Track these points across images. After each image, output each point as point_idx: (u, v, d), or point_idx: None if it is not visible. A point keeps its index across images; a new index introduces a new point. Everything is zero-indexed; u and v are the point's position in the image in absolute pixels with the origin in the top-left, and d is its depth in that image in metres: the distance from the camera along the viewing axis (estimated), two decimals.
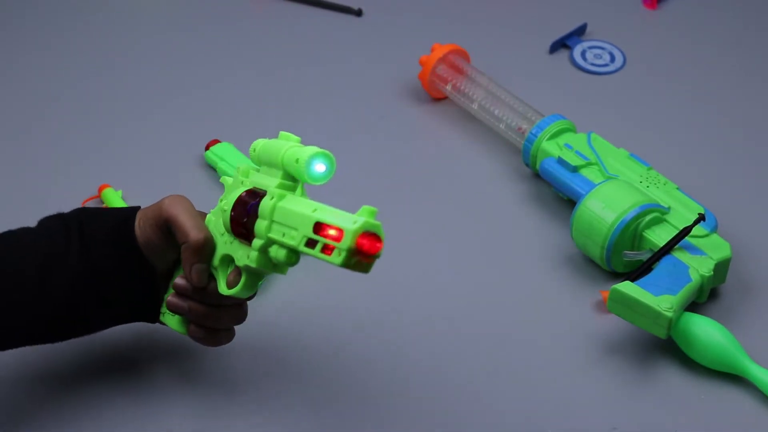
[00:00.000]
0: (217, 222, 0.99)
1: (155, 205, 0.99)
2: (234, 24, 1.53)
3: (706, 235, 1.16)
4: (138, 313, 1.03)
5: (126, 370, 1.09)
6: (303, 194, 0.95)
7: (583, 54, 1.48)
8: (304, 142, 0.96)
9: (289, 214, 0.91)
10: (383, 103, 1.40)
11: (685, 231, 1.15)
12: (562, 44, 1.49)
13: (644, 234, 1.16)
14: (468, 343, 1.13)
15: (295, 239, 0.89)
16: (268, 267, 0.94)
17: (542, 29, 1.51)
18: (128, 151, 1.33)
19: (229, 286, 0.97)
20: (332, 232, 0.87)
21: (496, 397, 1.08)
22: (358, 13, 1.54)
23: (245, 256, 0.95)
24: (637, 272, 1.12)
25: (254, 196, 0.95)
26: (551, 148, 1.26)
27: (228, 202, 0.97)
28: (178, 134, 1.35)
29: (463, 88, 1.36)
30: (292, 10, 1.55)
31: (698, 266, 1.13)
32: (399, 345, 1.13)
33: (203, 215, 1.01)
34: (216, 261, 0.98)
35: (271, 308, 1.15)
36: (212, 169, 1.30)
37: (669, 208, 1.18)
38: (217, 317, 1.00)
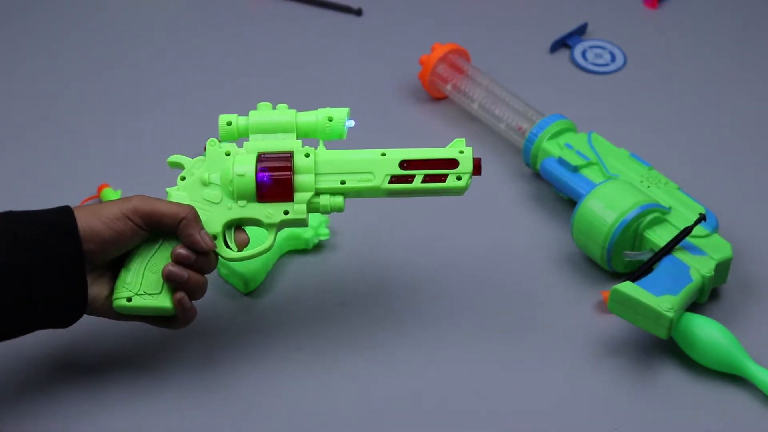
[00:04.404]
0: (197, 193, 1.05)
1: (119, 202, 1.02)
2: (233, 24, 1.53)
3: (707, 235, 1.16)
4: (60, 313, 1.01)
5: (120, 368, 1.09)
6: (323, 149, 1.06)
7: (583, 53, 1.48)
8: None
9: (347, 163, 1.04)
10: (383, 102, 1.40)
11: (686, 231, 1.14)
12: (562, 44, 1.49)
13: (645, 234, 1.16)
14: (468, 343, 1.13)
15: (374, 180, 1.04)
16: (304, 218, 1.04)
17: (543, 29, 1.51)
18: (128, 151, 1.33)
19: (241, 245, 1.05)
20: (434, 163, 1.04)
21: (497, 398, 1.08)
22: (358, 12, 1.54)
23: (279, 211, 1.04)
24: (637, 272, 1.12)
25: (278, 159, 1.03)
26: (552, 147, 1.26)
27: (229, 171, 1.04)
28: (178, 134, 1.35)
29: (463, 88, 1.36)
30: (291, 10, 1.55)
31: (699, 266, 1.13)
32: (397, 345, 1.12)
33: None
34: (218, 228, 1.04)
35: (271, 306, 1.15)
36: None
37: (670, 208, 1.18)
38: (204, 287, 1.05)
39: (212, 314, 1.14)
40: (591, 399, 1.08)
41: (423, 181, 1.04)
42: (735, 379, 1.09)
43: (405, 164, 1.05)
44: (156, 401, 1.07)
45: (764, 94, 1.42)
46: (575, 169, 1.23)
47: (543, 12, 1.55)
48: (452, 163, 1.05)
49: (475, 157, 1.05)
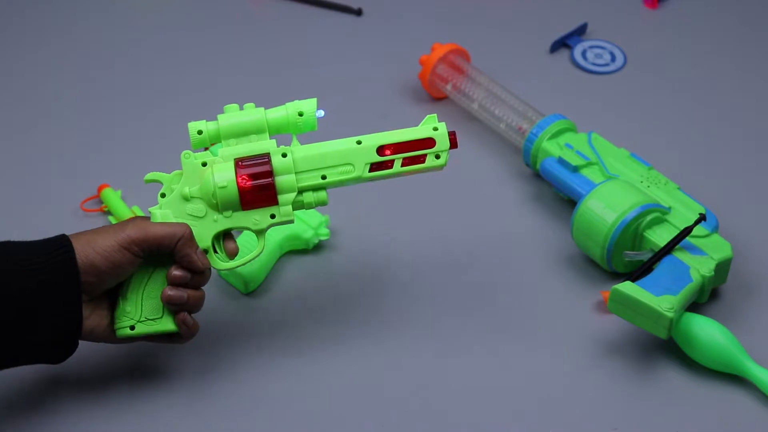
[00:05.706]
0: (180, 209, 1.03)
1: (113, 232, 1.01)
2: (234, 24, 1.53)
3: (707, 235, 1.16)
4: (54, 345, 1.01)
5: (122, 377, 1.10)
6: (297, 144, 1.06)
7: (583, 53, 1.48)
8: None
9: (325, 157, 1.04)
10: (383, 102, 1.40)
11: (686, 231, 1.14)
12: (562, 44, 1.49)
13: (645, 234, 1.16)
14: (467, 343, 1.13)
15: (355, 171, 1.04)
16: (291, 219, 1.04)
17: (543, 29, 1.51)
18: (128, 151, 1.33)
19: (231, 254, 1.05)
20: (411, 145, 1.04)
21: (497, 397, 1.08)
22: (358, 12, 1.54)
23: (266, 216, 1.03)
24: (637, 272, 1.12)
25: (257, 164, 1.02)
26: (552, 147, 1.26)
27: (210, 183, 1.02)
28: (178, 134, 1.35)
29: (463, 88, 1.36)
30: (292, 10, 1.55)
31: (699, 266, 1.13)
32: (397, 345, 1.12)
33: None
34: (208, 242, 1.03)
35: (271, 306, 1.15)
36: None
37: (670, 208, 1.18)
38: (203, 300, 1.05)
39: (212, 314, 1.14)
40: (591, 399, 1.08)
41: (403, 165, 1.05)
42: (735, 379, 1.09)
43: (382, 150, 1.04)
44: (156, 402, 1.07)
45: (764, 94, 1.42)
46: (575, 169, 1.23)
47: (543, 12, 1.55)
48: (429, 143, 1.05)
49: (450, 131, 1.05)
